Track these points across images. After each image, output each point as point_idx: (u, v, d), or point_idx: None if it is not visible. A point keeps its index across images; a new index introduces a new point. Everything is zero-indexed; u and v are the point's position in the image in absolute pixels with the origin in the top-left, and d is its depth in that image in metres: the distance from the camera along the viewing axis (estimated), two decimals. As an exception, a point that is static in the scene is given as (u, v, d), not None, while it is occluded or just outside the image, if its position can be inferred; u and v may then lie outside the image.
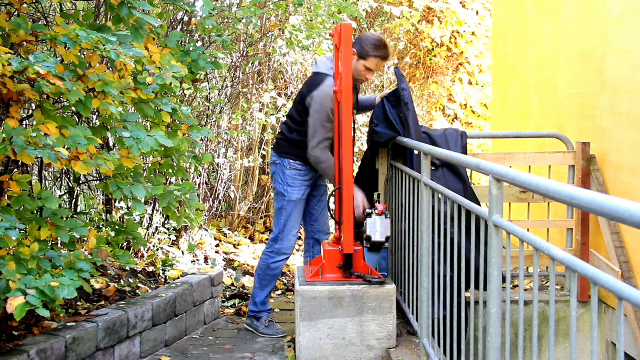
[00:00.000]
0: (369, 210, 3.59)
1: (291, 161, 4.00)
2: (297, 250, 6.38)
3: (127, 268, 4.10)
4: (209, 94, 5.96)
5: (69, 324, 3.28)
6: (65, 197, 4.41)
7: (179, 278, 4.38)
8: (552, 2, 4.95)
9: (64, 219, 3.07)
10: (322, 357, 3.45)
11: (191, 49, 3.86)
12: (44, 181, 4.26)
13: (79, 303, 3.62)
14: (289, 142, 4.03)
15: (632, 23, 3.83)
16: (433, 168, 3.67)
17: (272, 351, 3.90)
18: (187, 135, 3.74)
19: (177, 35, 3.74)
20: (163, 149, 3.52)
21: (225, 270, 5.30)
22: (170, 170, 3.96)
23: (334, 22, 6.34)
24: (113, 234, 3.83)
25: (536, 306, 1.91)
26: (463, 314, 2.71)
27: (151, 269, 4.45)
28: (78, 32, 2.84)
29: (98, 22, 4.03)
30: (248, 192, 6.68)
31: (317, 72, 3.97)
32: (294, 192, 4.01)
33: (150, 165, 4.02)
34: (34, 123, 2.95)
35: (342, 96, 3.53)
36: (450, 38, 8.73)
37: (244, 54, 6.02)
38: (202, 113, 5.84)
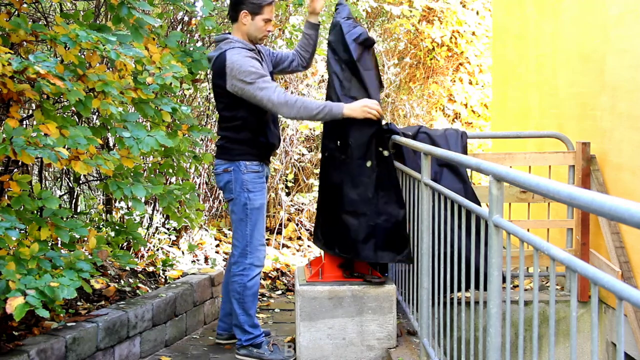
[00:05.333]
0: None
1: (247, 163, 3.54)
2: (297, 250, 6.38)
3: (127, 268, 4.10)
4: (209, 93, 5.95)
5: (69, 324, 3.28)
6: (65, 197, 4.41)
7: (179, 278, 4.37)
8: (552, 2, 4.95)
9: (64, 219, 3.07)
10: (322, 357, 3.45)
11: (191, 48, 3.86)
12: (44, 181, 4.25)
13: (79, 303, 3.62)
14: (239, 142, 3.56)
15: (632, 23, 3.83)
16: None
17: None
18: (187, 135, 3.74)
19: (177, 35, 3.75)
20: (163, 148, 3.52)
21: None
22: (170, 170, 3.96)
23: (334, 22, 6.32)
24: (113, 234, 3.83)
25: (536, 306, 1.91)
26: (463, 314, 2.71)
27: (151, 269, 4.45)
28: (78, 32, 2.84)
29: (98, 22, 4.03)
30: (248, 192, 6.66)
31: (215, 55, 3.55)
32: (257, 197, 3.56)
33: (150, 165, 4.02)
34: (34, 123, 2.95)
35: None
36: (451, 38, 8.72)
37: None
38: (202, 113, 5.84)
